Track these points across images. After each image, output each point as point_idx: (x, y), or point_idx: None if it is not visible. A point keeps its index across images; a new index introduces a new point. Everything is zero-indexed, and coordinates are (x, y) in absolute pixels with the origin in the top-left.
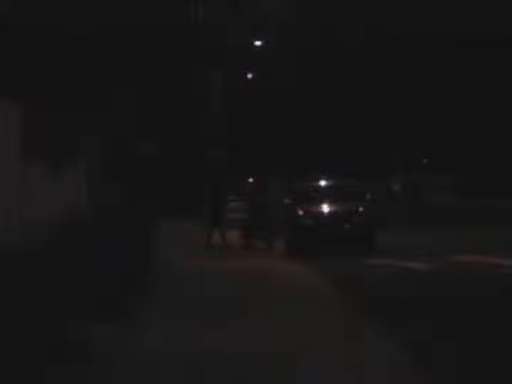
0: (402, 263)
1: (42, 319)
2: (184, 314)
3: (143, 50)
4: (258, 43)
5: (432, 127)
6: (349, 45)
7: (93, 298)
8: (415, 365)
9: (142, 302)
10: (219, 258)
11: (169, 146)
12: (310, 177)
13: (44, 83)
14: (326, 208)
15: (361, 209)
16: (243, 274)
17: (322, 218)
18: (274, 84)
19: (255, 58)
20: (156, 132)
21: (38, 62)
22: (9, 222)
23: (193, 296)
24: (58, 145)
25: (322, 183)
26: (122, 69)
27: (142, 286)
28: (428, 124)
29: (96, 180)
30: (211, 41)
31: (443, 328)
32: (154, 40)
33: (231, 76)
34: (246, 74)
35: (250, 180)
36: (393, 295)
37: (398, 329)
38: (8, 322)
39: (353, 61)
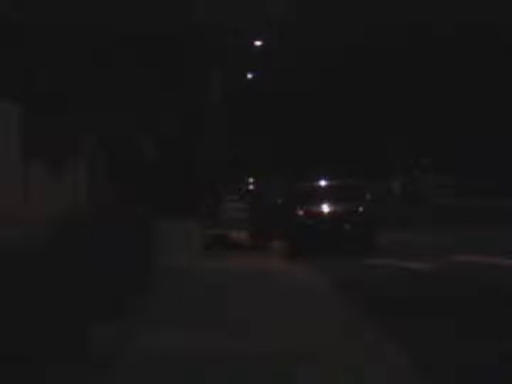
0: (402, 263)
1: (42, 319)
2: (184, 314)
3: (143, 49)
4: (258, 43)
5: (432, 127)
6: (349, 45)
7: (93, 298)
8: (415, 365)
9: (142, 302)
10: (219, 258)
11: (168, 145)
12: (310, 177)
13: (44, 83)
14: (326, 208)
15: (361, 209)
16: (244, 273)
17: (322, 218)
18: (274, 84)
19: (255, 58)
20: (155, 132)
21: (38, 62)
22: (9, 222)
23: (193, 296)
24: (58, 145)
25: (322, 183)
26: (121, 69)
27: (142, 286)
28: (428, 124)
29: (96, 180)
30: (211, 41)
31: (443, 328)
32: (153, 40)
33: (231, 76)
34: (245, 74)
35: (250, 180)
36: (393, 295)
37: (398, 329)
38: (8, 322)
39: (352, 61)
